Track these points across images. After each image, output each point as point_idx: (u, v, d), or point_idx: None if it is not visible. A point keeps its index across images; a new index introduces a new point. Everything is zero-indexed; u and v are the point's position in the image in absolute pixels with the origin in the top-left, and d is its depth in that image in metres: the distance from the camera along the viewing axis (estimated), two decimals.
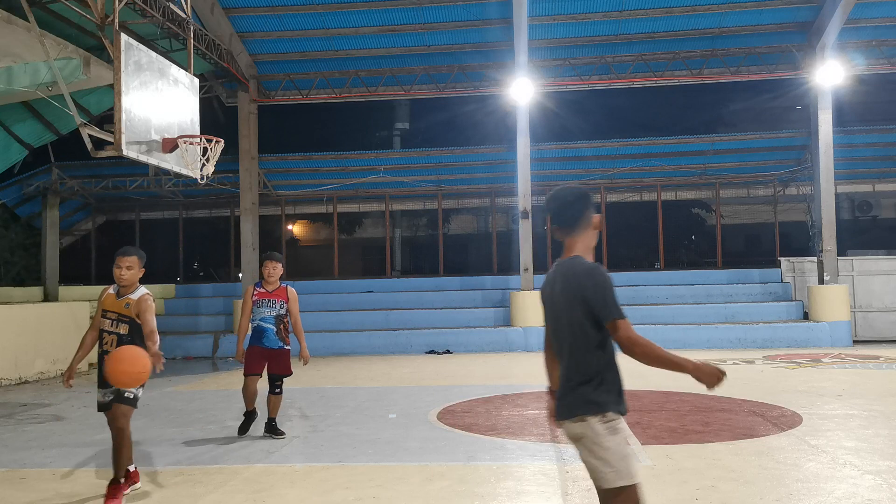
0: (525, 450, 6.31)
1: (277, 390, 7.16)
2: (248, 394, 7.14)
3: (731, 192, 21.25)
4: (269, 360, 7.13)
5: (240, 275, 17.32)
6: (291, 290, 7.27)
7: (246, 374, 7.14)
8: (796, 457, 5.83)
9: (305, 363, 7.22)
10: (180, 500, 5.11)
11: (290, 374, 7.21)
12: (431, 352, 15.55)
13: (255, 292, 7.22)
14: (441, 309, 17.49)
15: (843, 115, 20.93)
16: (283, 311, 7.14)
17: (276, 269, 7.22)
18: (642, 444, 6.46)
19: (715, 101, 26.08)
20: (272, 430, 7.14)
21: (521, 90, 15.61)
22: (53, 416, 8.85)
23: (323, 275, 21.02)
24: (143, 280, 5.59)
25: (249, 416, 7.26)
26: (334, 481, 5.45)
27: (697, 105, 25.98)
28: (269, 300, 7.16)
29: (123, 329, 5.37)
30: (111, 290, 5.63)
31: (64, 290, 18.26)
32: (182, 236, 21.77)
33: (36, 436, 7.57)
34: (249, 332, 7.17)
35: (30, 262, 20.40)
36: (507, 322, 16.39)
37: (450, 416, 7.99)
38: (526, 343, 15.40)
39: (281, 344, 7.11)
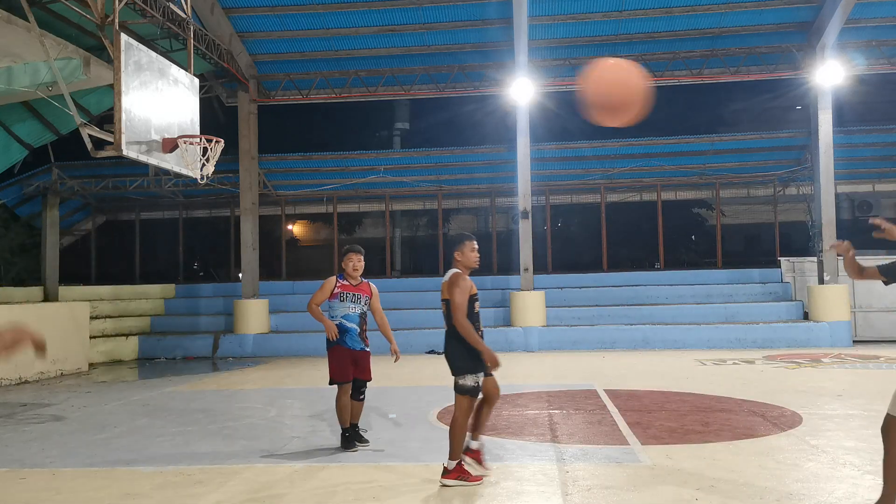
0: (525, 450, 6.31)
1: (362, 396, 6.64)
2: (345, 406, 6.43)
3: (731, 192, 21.24)
4: (354, 364, 6.55)
5: (240, 275, 17.32)
6: (374, 286, 6.81)
7: (340, 382, 6.43)
8: (796, 457, 5.83)
9: (398, 359, 6.77)
10: (180, 500, 5.11)
11: (371, 378, 6.72)
12: (431, 352, 15.54)
13: (339, 284, 6.61)
14: (441, 309, 17.45)
15: (843, 115, 20.97)
16: (366, 308, 6.66)
17: (360, 261, 6.65)
18: (642, 444, 6.46)
19: (715, 101, 26.09)
20: (358, 437, 6.58)
21: (521, 90, 15.61)
22: (53, 416, 8.85)
23: (323, 275, 20.82)
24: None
25: (353, 430, 6.55)
26: (334, 481, 5.45)
27: (697, 105, 25.97)
28: (354, 294, 6.58)
29: None
30: None
31: (64, 290, 18.26)
32: (182, 236, 21.76)
33: (36, 436, 7.57)
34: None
35: (30, 262, 20.40)
36: (507, 322, 16.39)
37: (450, 416, 7.97)
38: (526, 343, 15.40)
39: (363, 345, 6.62)
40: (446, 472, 5.20)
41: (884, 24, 15.24)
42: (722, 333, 15.16)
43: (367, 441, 6.60)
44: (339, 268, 6.92)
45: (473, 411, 5.32)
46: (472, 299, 5.26)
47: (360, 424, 6.83)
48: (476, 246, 5.46)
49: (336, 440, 6.89)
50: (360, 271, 6.67)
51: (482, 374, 5.21)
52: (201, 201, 21.41)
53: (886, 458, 4.14)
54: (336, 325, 6.51)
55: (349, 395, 6.48)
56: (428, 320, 16.85)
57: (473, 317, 5.23)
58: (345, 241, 24.22)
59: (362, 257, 6.69)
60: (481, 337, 5.19)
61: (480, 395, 5.32)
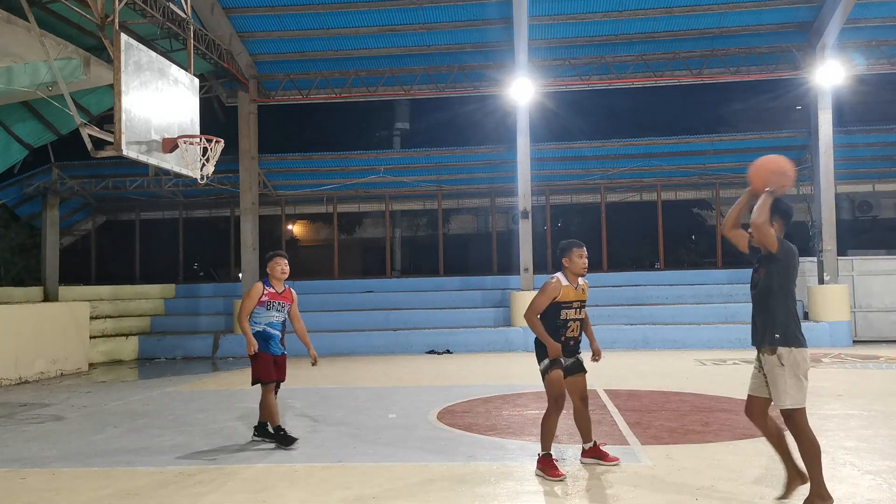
0: (525, 450, 6.31)
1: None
2: (272, 403, 6.66)
3: (731, 192, 21.21)
4: (279, 367, 6.81)
5: (240, 275, 17.32)
6: (294, 292, 6.96)
7: (265, 382, 6.66)
8: (796, 457, 5.82)
9: (316, 363, 6.97)
10: (180, 500, 5.11)
11: (285, 380, 6.94)
12: (431, 352, 15.55)
13: (266, 292, 6.70)
14: (441, 309, 17.49)
15: (843, 115, 20.93)
16: (286, 315, 6.86)
17: (287, 266, 6.83)
18: (642, 444, 6.46)
19: (715, 101, 26.05)
20: (265, 433, 6.79)
21: (521, 90, 15.62)
22: (53, 416, 8.85)
23: (323, 275, 21.01)
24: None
25: (281, 430, 6.68)
26: (334, 481, 5.45)
27: (697, 105, 25.96)
28: (279, 303, 6.73)
29: None
30: None
31: (64, 290, 18.27)
32: (182, 236, 21.76)
33: (36, 436, 7.57)
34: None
35: (30, 262, 20.40)
36: (507, 322, 16.39)
37: (450, 416, 7.99)
38: (526, 343, 15.39)
39: (283, 350, 6.84)
40: (538, 461, 5.55)
41: (884, 24, 15.24)
42: (722, 333, 15.16)
43: (278, 439, 6.63)
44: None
45: (573, 417, 5.82)
46: (560, 305, 5.61)
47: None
48: (584, 252, 5.73)
49: (337, 440, 6.89)
50: (287, 276, 6.80)
51: (558, 361, 5.61)
52: (201, 201, 21.41)
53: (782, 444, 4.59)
54: (259, 330, 6.64)
55: (273, 395, 6.69)
56: (428, 320, 16.87)
57: (558, 322, 5.61)
58: (345, 241, 24.27)
59: (287, 262, 6.83)
60: (567, 343, 5.67)
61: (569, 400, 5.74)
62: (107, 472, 5.91)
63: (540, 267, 18.50)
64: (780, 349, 4.36)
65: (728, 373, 11.23)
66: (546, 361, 5.59)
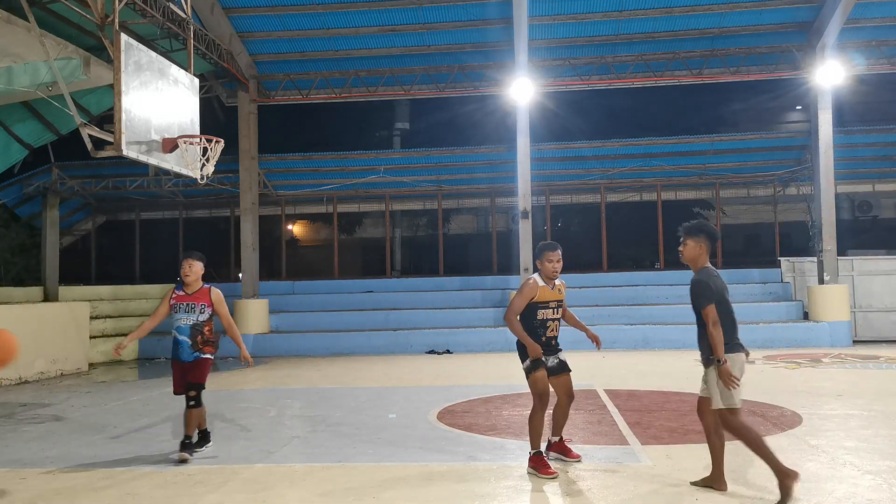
0: (525, 450, 6.28)
1: (192, 402, 6.30)
2: (189, 414, 6.35)
3: (731, 192, 21.25)
4: (185, 373, 6.36)
5: (240, 275, 17.32)
6: (216, 292, 6.44)
7: (174, 393, 6.45)
8: (796, 457, 5.83)
9: (249, 364, 6.66)
10: (180, 500, 5.11)
11: (202, 382, 6.36)
12: (431, 352, 15.55)
13: (174, 295, 6.37)
14: (441, 309, 17.49)
15: (843, 115, 20.93)
16: (202, 318, 6.32)
17: (192, 266, 6.37)
18: (642, 444, 6.46)
19: (715, 101, 26.05)
20: (186, 448, 6.27)
21: (521, 90, 15.61)
22: (53, 416, 8.85)
23: (323, 275, 21.01)
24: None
25: (191, 440, 6.35)
26: (334, 481, 5.45)
27: (697, 105, 25.95)
28: (187, 304, 6.31)
29: None
30: None
31: (64, 290, 18.26)
32: (182, 236, 21.77)
33: (36, 436, 7.57)
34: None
35: (30, 262, 20.41)
36: None
37: (450, 416, 7.99)
38: None
39: (196, 354, 6.32)
40: (529, 459, 5.63)
41: (884, 24, 15.24)
42: None
43: (187, 459, 6.16)
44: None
45: (553, 411, 5.85)
46: (537, 305, 5.72)
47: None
48: (556, 256, 5.84)
49: (337, 440, 6.90)
50: (195, 277, 6.37)
51: (540, 361, 5.73)
52: (201, 201, 21.42)
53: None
54: (172, 336, 6.34)
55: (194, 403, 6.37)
56: (428, 320, 16.86)
57: (535, 322, 5.74)
58: (345, 241, 24.28)
59: (197, 263, 6.41)
60: (548, 342, 5.81)
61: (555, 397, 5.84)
62: (107, 472, 5.91)
63: None
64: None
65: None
66: (528, 361, 5.70)
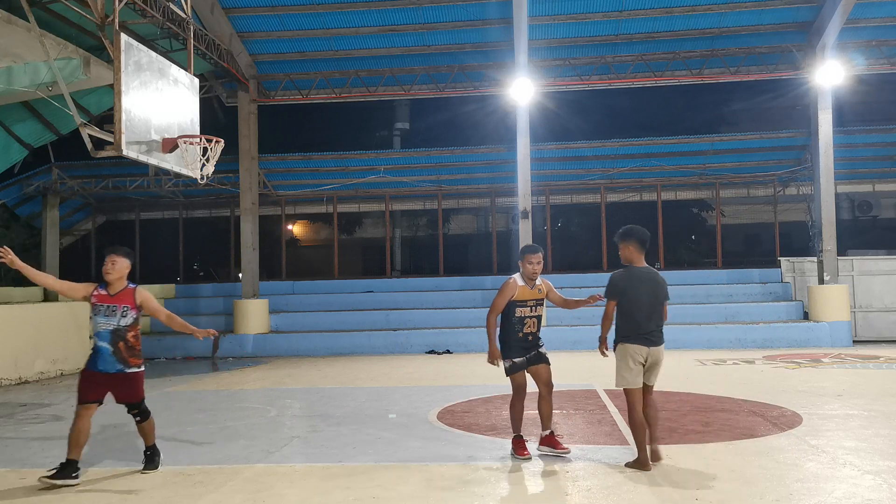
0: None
1: (138, 418, 5.80)
2: (80, 430, 5.54)
3: (731, 192, 21.26)
4: (110, 387, 5.63)
5: (240, 275, 17.32)
6: (141, 292, 5.68)
7: (78, 402, 5.61)
8: (796, 457, 5.83)
9: (215, 335, 6.21)
10: (180, 500, 5.11)
11: (139, 399, 5.76)
12: (431, 352, 15.55)
13: (95, 294, 5.58)
14: (441, 309, 17.49)
15: (843, 115, 20.97)
16: (125, 323, 5.55)
17: (115, 263, 5.58)
18: None
19: (715, 101, 26.08)
20: (150, 460, 5.88)
21: (521, 90, 15.61)
22: (53, 416, 8.85)
23: (323, 275, 21.03)
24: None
25: (69, 465, 5.45)
26: (334, 481, 5.45)
27: (697, 105, 25.97)
28: (108, 307, 5.53)
29: None
30: None
31: None
32: (182, 236, 21.78)
33: (36, 436, 7.57)
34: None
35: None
36: None
37: (450, 416, 7.99)
38: None
39: (122, 367, 5.57)
40: (511, 441, 6.09)
41: (884, 24, 15.24)
42: (722, 333, 15.15)
43: (156, 467, 5.85)
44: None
45: (537, 404, 6.14)
46: (515, 304, 6.03)
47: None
48: (536, 258, 6.19)
49: (337, 440, 6.89)
50: (117, 276, 5.58)
51: (517, 359, 6.01)
52: (201, 201, 21.43)
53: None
54: (93, 344, 5.60)
55: (87, 420, 5.58)
56: (428, 320, 16.86)
57: (514, 319, 6.02)
58: (345, 241, 24.28)
59: (120, 259, 5.59)
60: (525, 338, 6.06)
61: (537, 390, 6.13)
62: (107, 472, 5.90)
63: None
64: (617, 344, 5.70)
65: (728, 373, 11.23)
66: (507, 363, 6.01)
